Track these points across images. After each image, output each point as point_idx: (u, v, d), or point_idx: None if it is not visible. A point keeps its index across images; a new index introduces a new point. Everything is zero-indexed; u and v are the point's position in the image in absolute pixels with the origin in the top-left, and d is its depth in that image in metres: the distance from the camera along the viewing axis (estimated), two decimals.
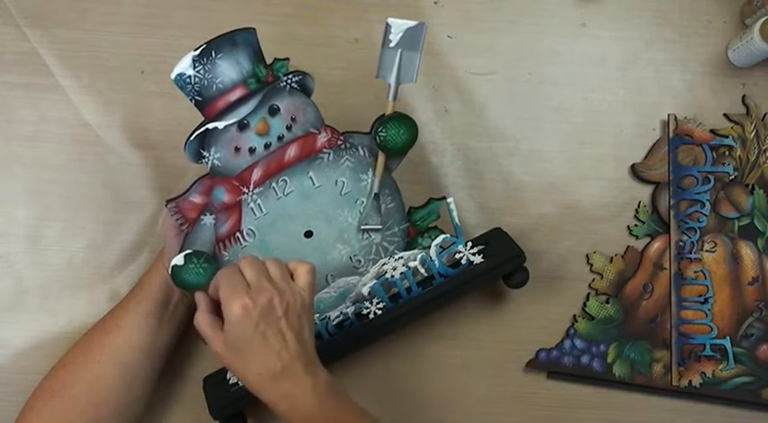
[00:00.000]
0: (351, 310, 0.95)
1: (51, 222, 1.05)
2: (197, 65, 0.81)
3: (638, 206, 1.08)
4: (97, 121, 1.06)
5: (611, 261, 1.07)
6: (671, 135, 1.07)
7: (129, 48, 1.07)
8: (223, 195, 0.87)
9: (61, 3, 1.06)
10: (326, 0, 1.08)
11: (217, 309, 0.83)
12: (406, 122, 0.89)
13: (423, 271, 0.96)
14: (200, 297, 0.86)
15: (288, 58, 0.85)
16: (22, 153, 1.05)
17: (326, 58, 1.08)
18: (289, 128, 0.87)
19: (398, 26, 0.84)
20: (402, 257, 0.95)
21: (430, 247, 0.95)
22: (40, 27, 1.06)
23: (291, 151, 0.88)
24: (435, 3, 1.09)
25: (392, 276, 0.95)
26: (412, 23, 0.84)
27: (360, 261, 0.95)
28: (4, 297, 1.05)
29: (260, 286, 0.80)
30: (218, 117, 0.83)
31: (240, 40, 0.81)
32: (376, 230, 0.95)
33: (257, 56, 0.83)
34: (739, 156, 1.07)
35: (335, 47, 1.08)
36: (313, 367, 0.83)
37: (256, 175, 0.87)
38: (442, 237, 0.95)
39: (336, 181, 0.91)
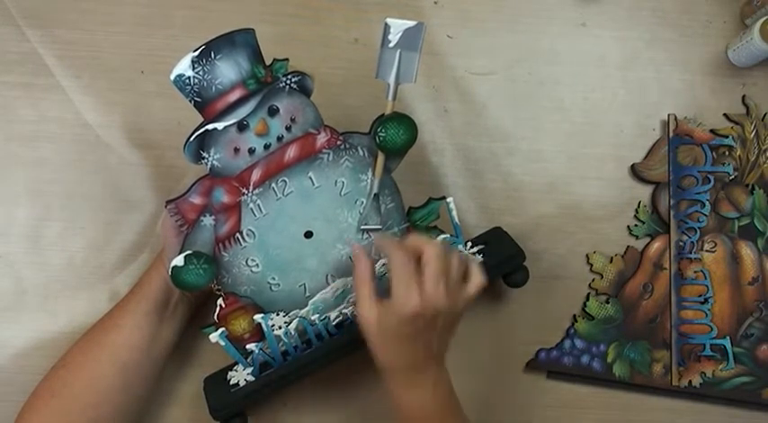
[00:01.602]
0: (351, 310, 0.95)
1: (51, 222, 1.05)
2: (196, 66, 0.81)
3: (638, 206, 1.08)
4: (97, 121, 1.06)
5: (611, 261, 1.07)
6: (671, 135, 1.07)
7: (129, 48, 1.07)
8: (223, 196, 0.87)
9: (61, 3, 1.06)
10: (326, 0, 1.08)
11: None
12: (405, 122, 0.88)
13: None
14: (360, 257, 0.87)
15: (287, 59, 0.84)
16: (22, 153, 1.05)
17: (326, 58, 1.08)
18: (288, 128, 0.87)
19: (397, 26, 0.84)
20: None
21: None
22: (40, 27, 1.06)
23: (291, 152, 0.88)
24: (435, 3, 1.09)
25: None
26: (411, 23, 0.84)
27: None
28: (4, 297, 1.05)
29: (436, 295, 0.82)
30: (218, 118, 0.83)
31: (239, 40, 0.81)
32: (376, 230, 0.94)
33: (256, 56, 0.83)
34: (739, 156, 1.07)
35: (335, 47, 1.08)
36: (441, 367, 0.88)
37: (256, 175, 0.87)
38: (441, 236, 0.95)
39: (336, 181, 0.91)
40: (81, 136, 1.06)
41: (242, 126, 0.85)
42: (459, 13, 1.09)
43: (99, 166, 1.06)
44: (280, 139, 0.87)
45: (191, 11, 1.07)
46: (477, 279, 0.87)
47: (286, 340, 0.93)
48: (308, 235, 0.92)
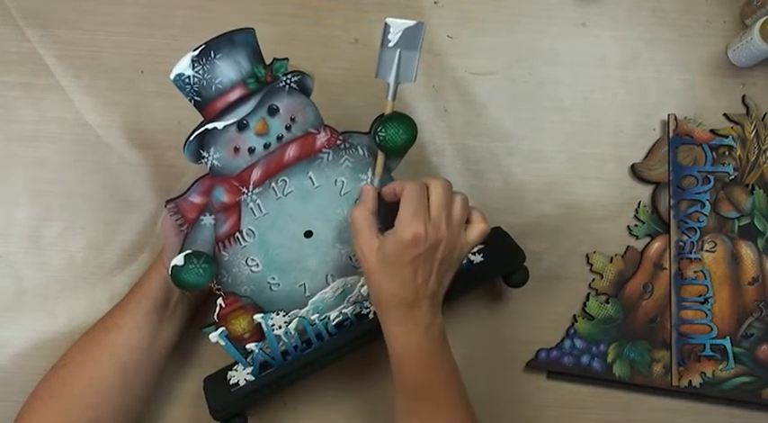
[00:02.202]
0: (351, 310, 0.95)
1: (51, 222, 1.05)
2: (196, 65, 0.81)
3: (638, 206, 1.08)
4: (97, 121, 1.06)
5: (611, 261, 1.07)
6: (671, 135, 1.07)
7: (129, 48, 1.07)
8: (223, 195, 0.87)
9: (61, 3, 1.06)
10: (326, 0, 1.08)
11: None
12: (405, 122, 0.88)
13: None
14: (368, 193, 0.90)
15: (287, 58, 0.84)
16: (22, 153, 1.05)
17: (326, 58, 1.08)
18: (288, 128, 0.87)
19: (397, 26, 0.84)
20: None
21: None
22: (40, 27, 1.06)
23: (291, 151, 0.88)
24: (435, 3, 1.09)
25: None
26: (411, 23, 0.84)
27: None
28: (4, 297, 1.05)
29: (438, 224, 0.84)
30: (218, 117, 0.83)
31: (239, 40, 0.81)
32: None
33: (256, 56, 0.83)
34: (739, 156, 1.07)
35: (335, 47, 1.08)
36: (436, 310, 0.88)
37: (256, 175, 0.87)
38: None
39: (336, 181, 0.91)
40: (81, 136, 1.06)
41: (242, 125, 0.85)
42: (459, 13, 1.09)
43: (99, 166, 1.06)
44: (280, 138, 0.87)
45: (191, 11, 1.07)
46: (480, 225, 0.89)
47: (286, 340, 0.93)
48: (308, 234, 0.92)
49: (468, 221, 0.89)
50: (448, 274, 0.89)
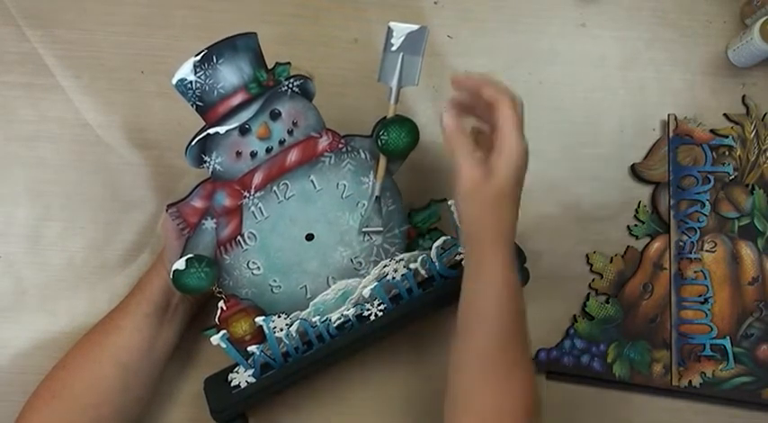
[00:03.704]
0: (352, 311, 0.95)
1: (51, 222, 1.05)
2: (198, 70, 0.80)
3: (638, 206, 1.08)
4: (97, 121, 1.06)
5: (611, 261, 1.07)
6: (671, 135, 1.07)
7: (129, 48, 1.07)
8: (224, 199, 0.87)
9: (61, 3, 1.06)
10: (326, 0, 1.08)
11: None
12: (407, 126, 0.89)
13: (424, 272, 0.96)
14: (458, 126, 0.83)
15: (289, 63, 0.84)
16: (22, 153, 1.05)
17: (326, 58, 1.08)
18: (290, 132, 0.87)
19: (400, 30, 0.84)
20: (403, 259, 0.95)
21: (431, 248, 0.95)
22: (40, 27, 1.06)
23: (293, 155, 0.88)
24: (435, 3, 1.09)
25: (393, 278, 0.95)
26: (414, 27, 0.84)
27: (361, 263, 0.95)
28: (4, 297, 1.05)
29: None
30: (220, 122, 0.83)
31: (241, 45, 0.81)
32: (377, 233, 0.95)
33: (258, 61, 0.83)
34: (739, 156, 1.07)
35: (335, 47, 1.08)
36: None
37: (258, 179, 0.87)
38: (442, 238, 0.95)
39: (338, 184, 0.91)
40: (81, 136, 1.06)
41: (244, 130, 0.85)
42: (460, 13, 1.09)
43: (99, 166, 1.06)
44: (282, 142, 0.87)
45: (191, 11, 1.07)
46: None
47: (287, 342, 0.93)
48: (310, 237, 0.92)
49: None
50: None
